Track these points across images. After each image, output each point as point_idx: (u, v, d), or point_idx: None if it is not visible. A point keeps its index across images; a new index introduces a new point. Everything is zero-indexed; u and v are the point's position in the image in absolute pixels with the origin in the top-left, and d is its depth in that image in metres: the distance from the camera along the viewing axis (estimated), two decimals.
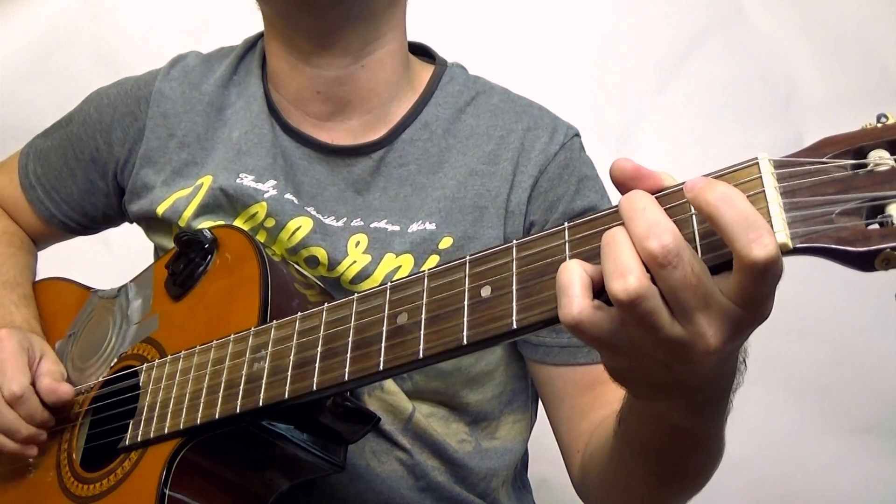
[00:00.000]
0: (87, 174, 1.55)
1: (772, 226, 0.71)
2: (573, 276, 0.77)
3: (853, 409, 2.35)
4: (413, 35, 1.46)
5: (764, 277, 0.71)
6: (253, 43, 1.54)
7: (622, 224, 0.77)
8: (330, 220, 1.37)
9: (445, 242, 1.34)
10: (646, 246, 0.73)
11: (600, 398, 1.29)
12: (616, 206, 0.81)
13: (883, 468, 2.34)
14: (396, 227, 1.35)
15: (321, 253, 1.35)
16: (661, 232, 0.73)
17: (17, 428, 1.29)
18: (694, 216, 0.76)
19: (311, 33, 1.34)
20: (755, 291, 0.73)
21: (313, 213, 1.38)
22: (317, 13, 1.31)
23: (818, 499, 2.36)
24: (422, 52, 1.52)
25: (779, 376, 2.28)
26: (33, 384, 1.32)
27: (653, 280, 0.74)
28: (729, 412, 0.96)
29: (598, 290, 0.77)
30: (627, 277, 0.73)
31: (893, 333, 2.29)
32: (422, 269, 1.30)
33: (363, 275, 1.33)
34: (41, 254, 1.69)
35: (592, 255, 0.80)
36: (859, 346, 2.32)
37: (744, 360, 0.91)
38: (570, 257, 0.82)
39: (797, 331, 2.20)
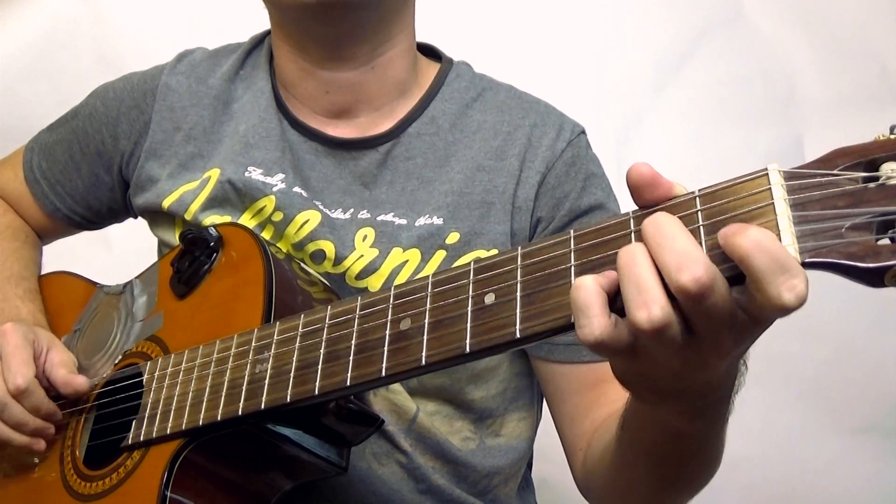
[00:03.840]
0: (92, 168, 1.56)
1: (781, 239, 0.71)
2: (590, 295, 0.76)
3: (853, 409, 2.35)
4: (418, 35, 1.47)
5: (792, 311, 0.70)
6: (260, 39, 1.54)
7: (640, 242, 0.76)
8: (337, 214, 1.37)
9: (452, 237, 1.34)
10: (677, 279, 0.71)
11: (603, 396, 1.29)
12: (622, 216, 0.81)
13: (883, 468, 2.34)
14: (403, 221, 1.35)
15: (328, 247, 1.35)
16: (692, 264, 0.71)
17: (25, 421, 1.29)
18: (702, 227, 0.75)
19: (324, 42, 1.35)
20: (774, 318, 0.73)
21: (321, 206, 1.38)
22: (330, 22, 1.31)
23: (818, 499, 2.36)
24: (428, 51, 1.53)
25: (779, 376, 2.28)
26: (40, 377, 1.31)
27: (677, 303, 0.73)
28: (730, 414, 0.97)
29: (612, 299, 0.77)
30: (652, 308, 0.72)
31: (893, 333, 2.29)
32: (427, 267, 1.32)
33: (370, 269, 1.34)
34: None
35: (598, 265, 0.80)
36: (859, 346, 2.32)
37: (744, 362, 0.90)
38: (576, 266, 0.82)
39: (797, 331, 2.20)
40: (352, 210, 1.38)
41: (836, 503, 2.36)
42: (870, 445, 2.35)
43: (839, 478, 2.35)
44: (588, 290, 0.76)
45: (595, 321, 0.75)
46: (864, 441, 2.35)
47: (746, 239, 0.70)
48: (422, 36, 1.49)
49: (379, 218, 1.36)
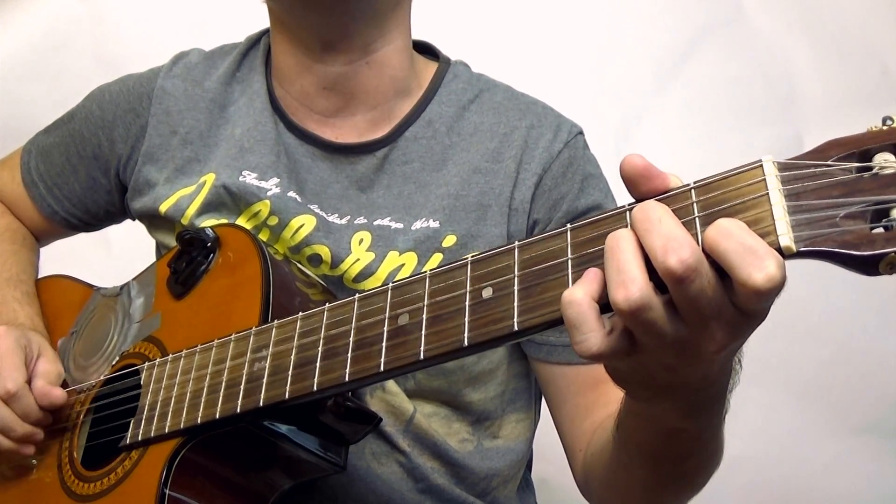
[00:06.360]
0: (89, 171, 1.55)
1: (775, 228, 0.71)
2: (583, 310, 0.76)
3: (853, 409, 2.35)
4: (416, 33, 1.47)
5: (768, 295, 0.71)
6: (256, 40, 1.54)
7: (625, 227, 0.77)
8: (333, 218, 1.37)
9: (449, 241, 1.34)
10: (663, 261, 0.72)
11: (603, 397, 1.29)
12: (618, 209, 0.81)
13: (883, 468, 2.34)
14: (400, 225, 1.35)
15: (324, 251, 1.35)
16: (678, 247, 0.72)
17: (13, 426, 1.29)
18: (698, 219, 0.76)
19: (318, 31, 1.34)
20: (760, 306, 0.74)
21: (317, 210, 1.37)
22: (323, 11, 1.31)
23: (818, 499, 2.36)
24: (425, 50, 1.52)
25: (779, 376, 2.28)
26: (30, 382, 1.31)
27: (664, 289, 0.74)
28: (726, 412, 0.97)
29: (602, 297, 0.77)
30: (630, 288, 0.73)
31: (893, 333, 2.29)
32: (424, 269, 1.31)
33: (366, 273, 1.33)
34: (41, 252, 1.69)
35: (594, 258, 0.80)
36: (859, 346, 2.32)
37: (738, 361, 0.91)
38: (572, 259, 0.82)
39: (797, 331, 2.20)
40: (348, 216, 1.37)
41: (836, 503, 2.36)
42: (870, 445, 2.35)
43: (839, 478, 2.35)
44: (579, 305, 0.76)
45: (592, 336, 0.76)
46: (864, 441, 2.35)
47: (713, 227, 0.72)
48: (420, 34, 1.48)
49: (375, 222, 1.36)
